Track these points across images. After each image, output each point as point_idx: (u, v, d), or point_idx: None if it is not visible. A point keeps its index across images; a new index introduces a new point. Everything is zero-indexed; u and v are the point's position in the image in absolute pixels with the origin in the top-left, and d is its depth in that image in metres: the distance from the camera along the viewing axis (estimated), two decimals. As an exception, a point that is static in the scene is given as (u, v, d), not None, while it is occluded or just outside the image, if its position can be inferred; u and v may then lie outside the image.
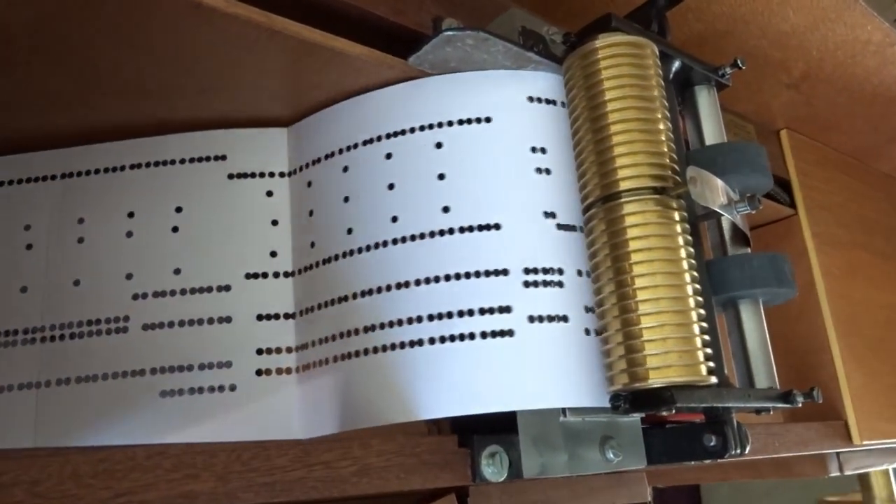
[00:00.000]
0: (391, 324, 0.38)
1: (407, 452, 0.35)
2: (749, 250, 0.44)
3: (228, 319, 0.41)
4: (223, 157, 0.44)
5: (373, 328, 0.39)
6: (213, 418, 0.39)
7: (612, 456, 0.40)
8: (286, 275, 0.43)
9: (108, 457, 0.27)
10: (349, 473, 0.33)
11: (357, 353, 0.39)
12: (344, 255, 0.41)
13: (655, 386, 0.35)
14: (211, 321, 0.41)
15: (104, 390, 0.39)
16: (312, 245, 0.42)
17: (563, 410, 0.39)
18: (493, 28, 0.45)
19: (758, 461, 0.74)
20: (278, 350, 0.41)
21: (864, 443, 0.65)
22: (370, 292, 0.39)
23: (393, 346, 0.38)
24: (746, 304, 0.43)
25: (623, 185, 0.38)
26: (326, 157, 0.43)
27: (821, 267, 0.70)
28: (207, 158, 0.44)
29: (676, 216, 0.38)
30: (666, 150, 0.39)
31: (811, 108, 0.72)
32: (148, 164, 0.44)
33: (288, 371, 0.41)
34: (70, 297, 0.41)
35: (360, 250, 0.40)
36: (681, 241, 0.38)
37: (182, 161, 0.44)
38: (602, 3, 0.52)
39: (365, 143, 0.42)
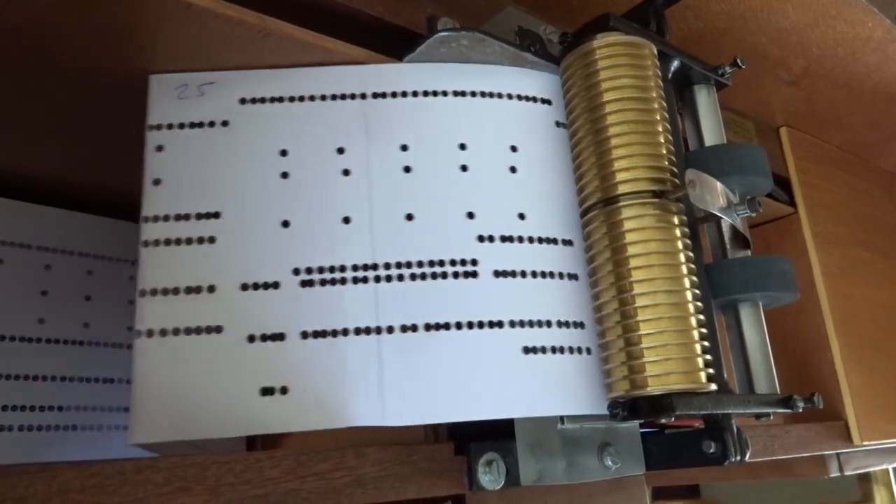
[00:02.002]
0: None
1: (402, 461, 0.35)
2: (749, 253, 0.44)
3: (575, 277, 0.39)
4: (549, 102, 0.42)
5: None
6: (568, 383, 0.37)
7: (610, 463, 0.39)
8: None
9: (97, 471, 0.26)
10: (343, 484, 0.32)
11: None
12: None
13: (655, 393, 0.35)
14: (561, 276, 0.39)
15: (460, 341, 0.36)
16: None
17: (561, 417, 0.38)
18: (490, 27, 0.44)
19: (757, 462, 0.74)
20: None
21: (865, 443, 0.65)
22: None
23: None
24: (746, 307, 0.42)
25: (621, 189, 0.37)
26: None
27: (820, 265, 0.69)
28: (535, 99, 0.42)
29: (675, 220, 0.38)
30: (665, 152, 0.38)
31: (811, 105, 0.71)
32: (473, 94, 0.40)
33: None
34: (404, 232, 0.37)
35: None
36: (680, 245, 0.37)
37: (510, 97, 0.41)
38: (600, 1, 0.51)
39: None
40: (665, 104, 0.41)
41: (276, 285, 0.36)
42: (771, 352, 0.42)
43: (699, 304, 0.37)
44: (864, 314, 0.72)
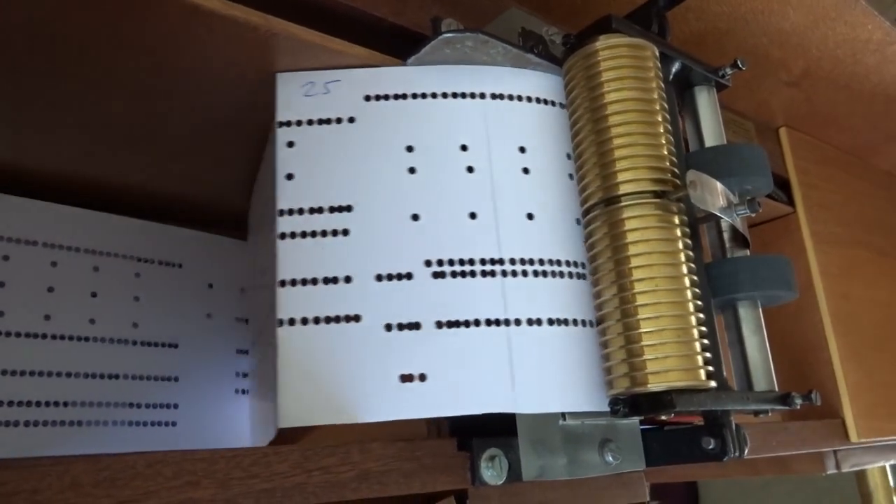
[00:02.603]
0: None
1: (406, 456, 0.35)
2: (748, 252, 0.44)
3: None
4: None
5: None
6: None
7: (610, 459, 0.40)
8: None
9: (108, 465, 0.27)
10: (348, 479, 0.33)
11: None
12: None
13: (655, 390, 0.35)
14: None
15: (577, 336, 0.39)
16: None
17: (563, 414, 0.39)
18: (493, 28, 0.45)
19: (756, 459, 0.75)
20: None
21: (862, 440, 0.65)
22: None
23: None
24: (745, 306, 0.43)
25: (623, 189, 0.38)
26: None
27: (819, 265, 0.70)
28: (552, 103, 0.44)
29: (676, 220, 0.38)
30: (666, 153, 0.39)
31: (811, 105, 0.72)
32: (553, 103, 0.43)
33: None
34: (527, 231, 0.39)
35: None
36: (680, 244, 0.38)
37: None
38: (602, 2, 0.52)
39: None
40: (666, 105, 0.41)
41: (409, 276, 0.37)
42: (769, 350, 0.43)
43: (699, 302, 0.37)
44: (862, 313, 0.73)
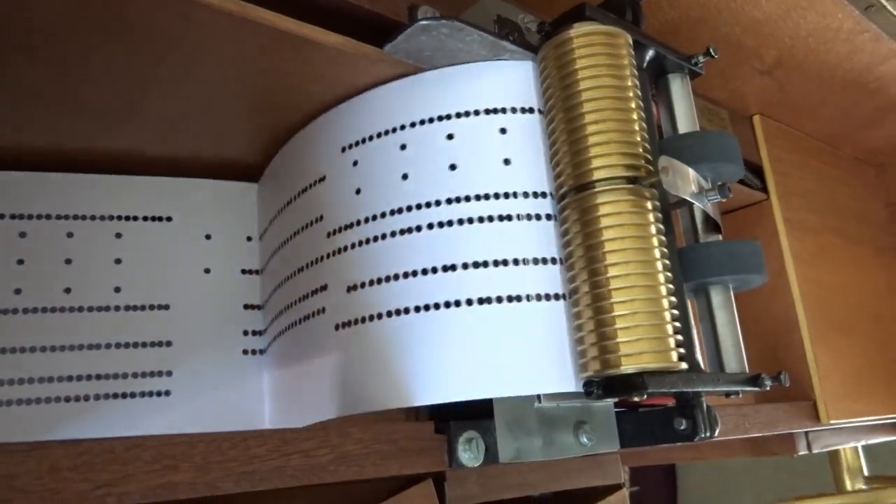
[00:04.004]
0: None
1: (384, 440, 0.36)
2: (720, 237, 0.45)
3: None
4: None
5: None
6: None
7: (585, 440, 0.40)
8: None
9: (87, 449, 0.27)
10: (327, 461, 0.33)
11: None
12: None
13: (628, 372, 0.36)
14: None
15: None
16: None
17: (538, 396, 0.40)
18: (469, 16, 0.45)
19: (729, 440, 0.76)
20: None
21: (832, 422, 0.67)
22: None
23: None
24: (717, 290, 0.44)
25: (596, 175, 0.38)
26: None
27: (791, 251, 0.71)
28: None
29: (649, 205, 0.39)
30: (639, 139, 0.40)
31: (784, 94, 0.73)
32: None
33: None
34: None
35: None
36: (653, 229, 0.38)
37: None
38: (577, -10, 0.52)
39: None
40: (640, 92, 0.42)
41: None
42: (741, 333, 0.44)
43: (671, 286, 0.38)
44: (833, 298, 0.74)
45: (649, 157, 0.40)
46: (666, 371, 0.36)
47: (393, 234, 0.41)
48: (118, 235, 0.51)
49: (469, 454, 0.38)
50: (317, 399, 0.42)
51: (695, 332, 0.42)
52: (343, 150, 0.44)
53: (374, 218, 0.42)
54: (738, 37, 0.62)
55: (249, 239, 0.54)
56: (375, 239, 0.41)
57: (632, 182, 0.38)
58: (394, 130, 0.43)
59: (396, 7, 0.45)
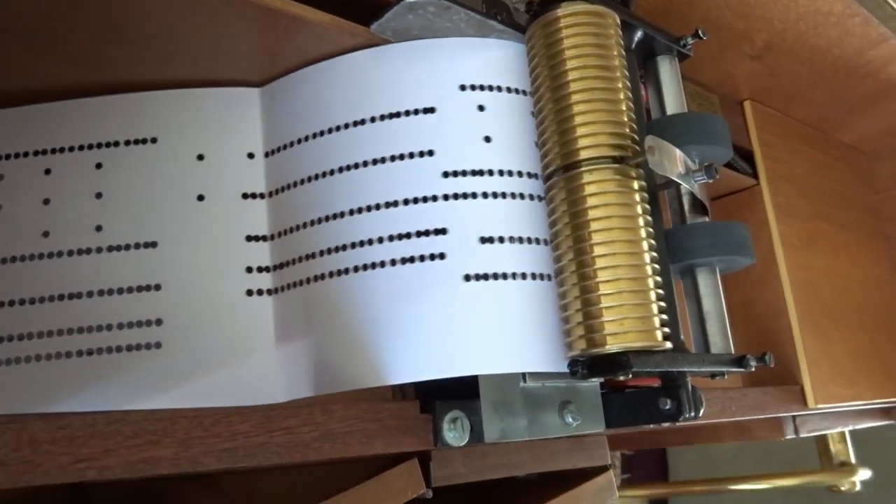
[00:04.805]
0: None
1: (369, 418, 0.36)
2: (707, 219, 0.45)
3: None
4: None
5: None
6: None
7: (570, 420, 0.41)
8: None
9: (67, 423, 0.27)
10: (311, 439, 0.33)
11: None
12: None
13: (612, 351, 0.36)
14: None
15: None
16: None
17: (524, 376, 0.40)
18: (458, -5, 0.45)
19: (717, 425, 0.77)
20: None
21: (819, 406, 0.67)
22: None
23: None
24: (703, 271, 0.44)
25: (583, 155, 0.38)
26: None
27: (781, 237, 0.71)
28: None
29: (635, 185, 0.39)
30: (626, 119, 0.39)
31: (774, 79, 0.73)
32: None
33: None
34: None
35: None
36: (639, 209, 0.38)
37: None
38: (567, -28, 0.52)
39: None
40: (627, 73, 0.42)
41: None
42: (727, 315, 0.44)
43: (657, 266, 0.38)
44: (822, 284, 0.75)
45: (636, 137, 0.40)
46: (651, 350, 0.37)
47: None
48: (98, 166, 0.43)
49: (454, 434, 0.38)
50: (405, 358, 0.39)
51: (680, 312, 0.42)
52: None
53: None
54: (728, 20, 0.61)
55: (251, 156, 0.45)
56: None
57: (618, 162, 0.38)
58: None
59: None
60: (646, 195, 0.39)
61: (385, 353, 0.38)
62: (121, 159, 0.44)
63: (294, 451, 0.33)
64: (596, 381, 0.43)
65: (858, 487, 1.05)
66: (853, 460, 1.07)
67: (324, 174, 0.42)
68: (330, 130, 0.43)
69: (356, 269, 0.40)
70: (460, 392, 0.39)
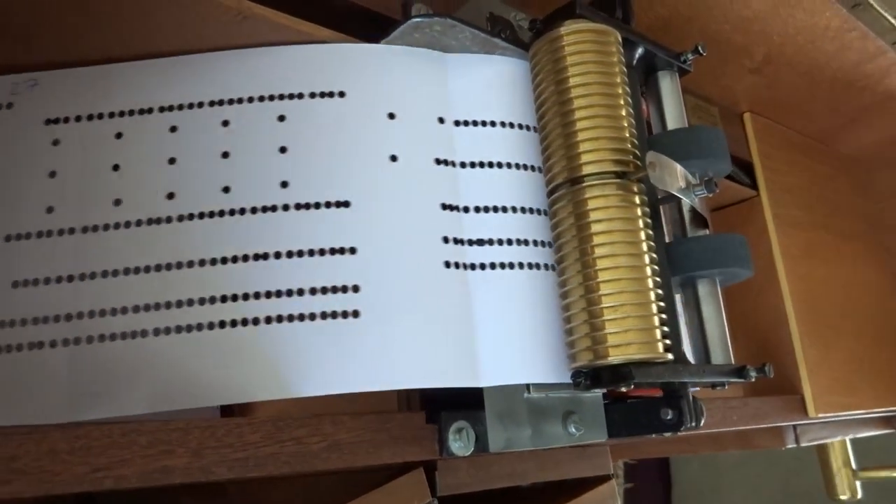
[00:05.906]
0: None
1: (376, 428, 0.37)
2: (707, 232, 0.46)
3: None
4: None
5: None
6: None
7: (574, 430, 0.41)
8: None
9: (85, 433, 0.28)
10: (320, 449, 0.34)
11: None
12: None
13: (615, 362, 0.37)
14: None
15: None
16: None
17: (528, 386, 0.40)
18: (463, 13, 0.46)
19: (719, 434, 0.77)
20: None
21: (820, 416, 0.68)
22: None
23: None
24: (704, 283, 0.45)
25: (586, 170, 0.39)
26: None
27: (781, 247, 0.72)
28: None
29: (637, 200, 0.39)
30: (627, 135, 0.40)
31: (773, 91, 0.73)
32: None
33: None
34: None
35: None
36: (641, 223, 0.39)
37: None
38: (569, -12, 0.53)
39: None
40: (629, 89, 0.42)
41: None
42: (727, 326, 0.45)
43: (658, 279, 0.39)
44: (822, 294, 0.75)
45: (637, 152, 0.40)
46: (652, 362, 0.37)
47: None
48: (281, 118, 0.40)
49: (459, 443, 0.38)
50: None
51: (682, 324, 0.43)
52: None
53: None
54: (727, 34, 0.62)
55: (441, 121, 0.43)
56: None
57: (620, 177, 0.39)
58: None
59: (390, 3, 0.46)
60: (647, 209, 0.40)
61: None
62: (306, 112, 0.41)
63: (303, 461, 0.33)
64: (599, 392, 0.43)
65: (860, 495, 1.05)
66: (854, 467, 1.07)
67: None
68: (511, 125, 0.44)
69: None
70: (465, 402, 0.39)
